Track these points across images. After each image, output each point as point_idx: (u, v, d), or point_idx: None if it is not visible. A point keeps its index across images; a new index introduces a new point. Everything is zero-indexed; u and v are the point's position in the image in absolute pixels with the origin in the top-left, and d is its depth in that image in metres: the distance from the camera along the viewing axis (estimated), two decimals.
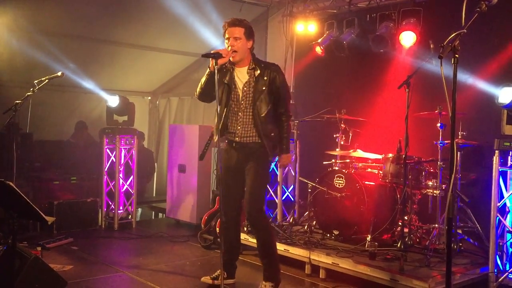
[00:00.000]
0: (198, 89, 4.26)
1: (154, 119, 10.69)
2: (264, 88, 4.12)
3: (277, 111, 4.23)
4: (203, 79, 4.15)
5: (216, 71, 3.87)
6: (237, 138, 4.21)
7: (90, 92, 8.56)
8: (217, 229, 5.71)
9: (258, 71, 4.14)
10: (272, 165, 6.03)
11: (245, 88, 4.17)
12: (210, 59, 3.94)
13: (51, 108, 8.51)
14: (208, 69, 4.05)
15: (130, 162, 7.14)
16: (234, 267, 4.51)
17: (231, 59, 4.10)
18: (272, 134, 4.19)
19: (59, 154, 8.05)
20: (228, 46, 4.08)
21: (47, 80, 4.52)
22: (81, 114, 9.12)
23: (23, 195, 3.34)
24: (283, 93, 4.22)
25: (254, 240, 5.33)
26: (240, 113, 4.19)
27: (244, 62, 4.18)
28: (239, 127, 4.19)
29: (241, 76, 4.20)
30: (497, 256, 4.37)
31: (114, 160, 7.01)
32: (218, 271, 4.43)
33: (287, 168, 6.64)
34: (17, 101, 4.55)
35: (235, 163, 4.26)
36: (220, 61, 4.00)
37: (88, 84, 8.19)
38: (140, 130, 8.30)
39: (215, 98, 4.15)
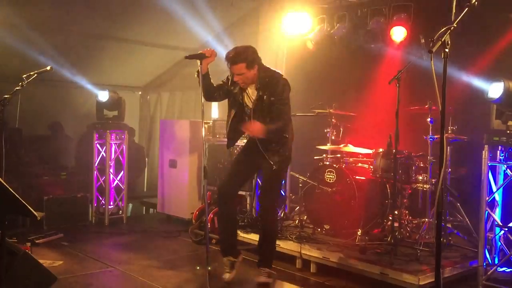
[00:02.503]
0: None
1: (145, 114, 10.65)
2: (265, 100, 4.21)
3: (272, 113, 4.23)
4: (198, 81, 4.25)
5: (201, 71, 4.10)
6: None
7: (80, 87, 8.51)
8: (209, 224, 5.70)
9: (264, 87, 4.23)
10: None
11: (255, 103, 4.29)
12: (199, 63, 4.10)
13: (41, 103, 8.44)
14: (197, 72, 4.18)
15: (120, 157, 7.10)
16: (235, 246, 4.58)
17: (242, 86, 4.28)
18: (275, 146, 4.27)
19: (49, 149, 8.01)
20: (236, 80, 4.24)
21: (36, 75, 4.47)
22: (71, 109, 9.06)
23: (11, 190, 3.32)
24: (279, 101, 4.22)
25: (246, 235, 5.40)
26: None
27: (253, 82, 4.29)
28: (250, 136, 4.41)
29: (251, 92, 4.33)
30: (486, 250, 4.40)
31: (104, 155, 6.97)
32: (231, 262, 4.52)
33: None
34: (6, 96, 4.50)
35: (255, 152, 4.35)
36: (205, 61, 4.16)
37: (78, 79, 8.14)
38: (130, 125, 8.26)
39: (223, 98, 4.45)
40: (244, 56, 4.14)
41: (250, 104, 4.32)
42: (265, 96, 4.22)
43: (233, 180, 4.48)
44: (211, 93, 4.34)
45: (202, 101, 4.17)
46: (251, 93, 4.33)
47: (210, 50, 4.14)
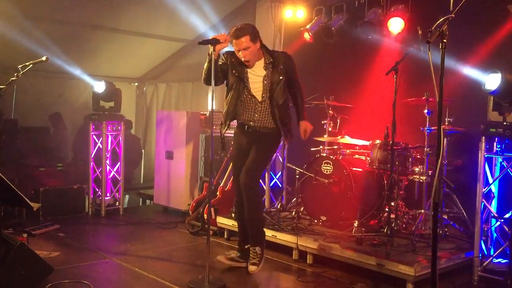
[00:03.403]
0: (202, 75, 4.27)
1: (142, 106, 10.61)
2: (281, 78, 4.31)
3: (293, 88, 4.50)
4: (206, 66, 4.18)
5: (213, 57, 4.02)
6: (251, 123, 4.38)
7: (76, 78, 8.46)
8: (205, 215, 5.71)
9: (275, 64, 4.31)
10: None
11: (265, 82, 4.32)
12: (209, 45, 4.03)
13: (36, 94, 8.40)
14: (208, 56, 4.09)
15: (117, 149, 7.09)
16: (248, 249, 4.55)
17: (248, 66, 4.28)
18: (286, 120, 4.41)
19: (45, 140, 7.98)
20: (242, 58, 4.22)
21: (31, 65, 4.43)
22: (67, 100, 9.02)
23: (8, 181, 3.31)
24: (296, 76, 4.50)
25: None
26: (258, 104, 4.35)
27: (258, 59, 4.31)
28: (256, 115, 4.37)
29: (258, 71, 4.33)
30: (482, 241, 4.42)
31: (100, 146, 6.95)
32: (232, 251, 4.58)
33: (276, 154, 6.64)
34: (1, 86, 4.47)
35: (246, 144, 4.45)
36: (218, 47, 4.10)
37: (74, 70, 8.09)
38: (127, 116, 8.24)
39: (222, 81, 4.43)
40: (246, 29, 4.15)
41: (257, 85, 4.31)
42: (279, 71, 4.29)
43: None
44: (215, 78, 4.22)
45: (213, 88, 4.06)
46: (258, 71, 4.31)
47: (223, 36, 4.08)
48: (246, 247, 4.45)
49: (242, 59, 4.21)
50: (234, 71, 4.32)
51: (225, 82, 4.43)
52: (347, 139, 5.56)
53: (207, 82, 4.24)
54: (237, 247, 4.66)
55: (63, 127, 8.63)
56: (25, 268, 3.86)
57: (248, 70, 4.32)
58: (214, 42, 4.02)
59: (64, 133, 8.62)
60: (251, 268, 4.31)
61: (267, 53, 4.34)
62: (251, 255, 4.36)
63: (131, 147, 8.70)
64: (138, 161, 9.67)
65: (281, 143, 6.34)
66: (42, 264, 4.03)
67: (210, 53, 4.04)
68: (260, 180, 6.36)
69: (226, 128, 4.47)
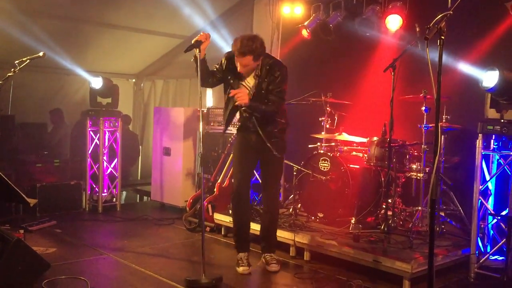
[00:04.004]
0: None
1: (139, 102, 10.59)
2: (262, 91, 4.26)
3: (269, 96, 4.28)
4: (195, 68, 4.21)
5: (199, 59, 4.08)
6: (250, 124, 4.38)
7: (73, 74, 8.45)
8: (210, 211, 5.71)
9: (263, 74, 4.26)
10: None
11: (253, 88, 4.31)
12: (195, 49, 4.09)
13: (33, 90, 8.38)
14: (193, 57, 4.16)
15: (114, 145, 7.08)
16: (247, 242, 4.66)
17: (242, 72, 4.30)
18: (276, 131, 4.37)
19: (42, 136, 7.96)
20: (238, 67, 4.24)
21: (28, 61, 4.41)
22: (64, 96, 8.99)
23: (4, 177, 3.30)
24: (277, 87, 4.27)
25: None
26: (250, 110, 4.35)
27: (253, 69, 4.32)
28: (246, 121, 4.41)
29: (250, 80, 4.35)
30: (479, 238, 4.43)
31: (98, 142, 6.94)
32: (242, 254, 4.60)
33: None
34: None
35: (251, 148, 4.46)
36: (203, 46, 4.14)
37: (71, 66, 8.07)
38: (125, 112, 8.23)
39: (216, 84, 4.49)
40: (253, 49, 4.13)
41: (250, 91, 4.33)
42: (263, 84, 4.25)
43: (246, 178, 4.55)
44: (206, 78, 4.34)
45: (200, 89, 4.14)
46: (249, 80, 4.33)
47: (204, 35, 4.12)
48: (265, 255, 4.62)
49: (238, 68, 4.27)
50: (229, 77, 4.38)
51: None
52: (345, 136, 5.56)
53: (203, 84, 4.32)
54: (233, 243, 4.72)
55: (63, 123, 8.61)
56: (21, 264, 3.84)
57: (241, 79, 4.36)
58: (198, 44, 4.07)
59: (65, 130, 8.59)
60: (274, 267, 4.50)
61: (262, 64, 4.28)
62: (269, 259, 4.55)
63: (129, 144, 8.70)
64: (136, 158, 9.67)
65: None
66: (39, 260, 4.02)
67: (195, 56, 4.11)
68: (257, 176, 6.42)
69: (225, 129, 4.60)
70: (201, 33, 4.14)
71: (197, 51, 4.08)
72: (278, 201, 4.73)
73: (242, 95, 4.19)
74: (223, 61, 4.40)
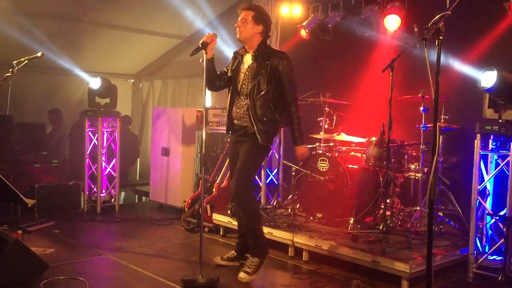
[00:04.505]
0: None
1: (137, 102, 10.59)
2: (263, 71, 4.13)
3: (285, 100, 4.23)
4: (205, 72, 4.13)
5: (205, 60, 4.01)
6: (235, 121, 4.31)
7: (71, 74, 8.44)
8: (209, 212, 5.71)
9: (262, 56, 4.17)
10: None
11: (247, 73, 4.23)
12: (202, 51, 4.02)
13: (32, 90, 8.38)
14: (201, 58, 4.08)
15: (112, 145, 7.07)
16: (247, 247, 4.48)
17: (237, 36, 4.20)
18: (265, 119, 4.16)
19: (40, 137, 7.95)
20: (236, 26, 4.19)
21: (26, 61, 4.41)
22: (63, 96, 8.98)
23: (2, 177, 3.30)
24: (287, 79, 4.19)
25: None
26: (242, 97, 4.26)
27: (252, 47, 4.22)
28: (238, 110, 4.28)
29: (247, 60, 4.27)
30: (477, 238, 4.44)
31: (96, 143, 6.93)
32: (231, 251, 4.54)
33: (271, 151, 6.65)
34: None
35: (235, 145, 4.38)
36: (210, 47, 4.09)
37: (70, 66, 8.06)
38: (123, 113, 8.23)
39: (225, 86, 4.39)
40: (257, 7, 4.19)
41: (242, 76, 4.25)
42: (263, 65, 4.13)
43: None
44: (213, 80, 4.29)
45: (205, 89, 4.08)
46: (247, 61, 4.25)
47: (210, 36, 4.08)
48: (246, 255, 4.33)
49: (236, 29, 4.19)
50: (232, 68, 4.32)
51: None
52: (343, 136, 5.56)
53: (210, 87, 4.30)
54: (235, 246, 4.63)
55: (62, 123, 8.59)
56: (20, 264, 3.84)
57: (243, 61, 4.28)
58: (204, 46, 4.03)
59: (64, 131, 8.57)
60: (242, 275, 4.14)
61: (260, 46, 4.21)
62: (247, 262, 4.22)
63: (129, 144, 8.69)
64: (135, 159, 9.65)
65: (276, 141, 6.35)
66: (37, 261, 4.02)
67: (202, 58, 4.04)
68: (256, 177, 6.39)
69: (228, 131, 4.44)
70: (208, 34, 4.10)
71: (204, 53, 4.03)
72: (246, 198, 4.18)
73: (305, 157, 4.42)
74: (230, 62, 4.38)
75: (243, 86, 4.23)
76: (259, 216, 4.42)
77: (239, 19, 4.18)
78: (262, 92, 4.14)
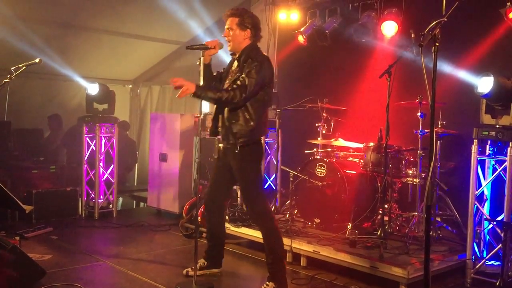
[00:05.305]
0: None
1: (135, 108, 10.58)
2: (240, 75, 3.96)
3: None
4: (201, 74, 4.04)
5: (202, 64, 3.93)
6: (219, 128, 4.16)
7: (69, 80, 8.43)
8: (199, 218, 5.69)
9: (243, 60, 3.99)
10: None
11: (230, 77, 4.10)
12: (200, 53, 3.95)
13: (29, 96, 8.36)
14: (198, 60, 4.01)
15: (110, 151, 7.06)
16: (219, 256, 4.50)
17: (228, 49, 4.10)
18: (239, 122, 3.95)
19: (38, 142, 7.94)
20: (225, 36, 4.08)
21: (24, 67, 4.42)
22: (61, 102, 8.98)
23: (0, 184, 3.29)
24: (246, 72, 3.89)
25: (236, 229, 5.40)
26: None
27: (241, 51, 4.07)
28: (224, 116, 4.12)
29: (234, 65, 4.15)
30: (475, 243, 4.44)
31: (94, 148, 6.93)
32: (200, 260, 4.43)
33: (269, 157, 6.66)
34: None
35: (222, 159, 4.25)
36: (208, 53, 4.01)
37: (68, 72, 8.06)
38: (121, 119, 8.22)
39: None
40: (241, 12, 4.02)
41: (227, 81, 4.12)
42: (241, 69, 3.97)
43: (213, 189, 4.33)
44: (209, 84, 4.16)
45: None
46: (234, 65, 4.13)
47: (214, 42, 3.99)
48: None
49: (225, 38, 4.08)
50: (223, 73, 4.24)
51: None
52: (341, 142, 5.57)
53: None
54: (204, 254, 4.50)
55: (61, 129, 8.59)
56: (17, 271, 3.82)
57: (232, 66, 4.17)
58: (203, 48, 3.94)
59: (56, 136, 8.57)
60: None
61: (244, 52, 4.02)
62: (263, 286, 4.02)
63: (127, 150, 8.68)
64: (133, 165, 9.64)
65: (275, 147, 6.36)
66: (34, 267, 4.01)
67: (199, 60, 3.96)
68: None
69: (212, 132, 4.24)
70: (214, 39, 4.01)
71: (201, 54, 3.96)
72: (262, 216, 4.04)
73: (182, 83, 3.81)
74: (223, 69, 4.33)
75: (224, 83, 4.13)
76: (279, 237, 4.10)
77: (226, 27, 4.06)
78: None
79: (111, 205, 7.08)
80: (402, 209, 5.26)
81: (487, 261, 4.38)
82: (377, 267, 4.22)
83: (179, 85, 3.82)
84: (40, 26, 7.05)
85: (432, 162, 2.75)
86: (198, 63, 4.02)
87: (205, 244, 4.57)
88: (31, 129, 8.20)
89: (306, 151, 5.90)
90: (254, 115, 3.95)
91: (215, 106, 4.21)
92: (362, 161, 5.37)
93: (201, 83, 3.96)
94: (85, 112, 7.05)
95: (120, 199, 8.36)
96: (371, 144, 5.24)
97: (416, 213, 4.96)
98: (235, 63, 4.13)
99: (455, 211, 5.10)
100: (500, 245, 4.18)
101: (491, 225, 4.46)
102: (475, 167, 4.42)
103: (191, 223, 5.82)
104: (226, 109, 4.01)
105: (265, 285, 4.02)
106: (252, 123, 3.95)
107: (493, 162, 4.45)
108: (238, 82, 3.88)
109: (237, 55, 4.09)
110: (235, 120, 3.96)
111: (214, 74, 4.27)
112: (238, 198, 5.95)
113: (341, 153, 5.74)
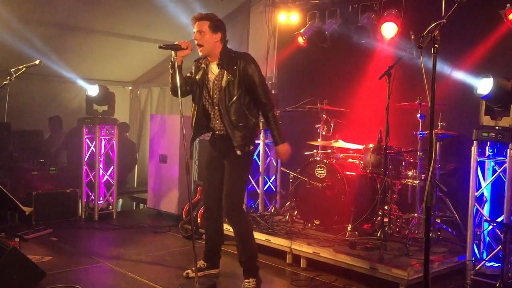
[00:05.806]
0: (169, 85, 4.15)
1: (135, 109, 10.59)
2: (232, 78, 4.01)
3: (259, 101, 4.09)
4: (170, 74, 4.07)
5: (176, 63, 3.95)
6: (216, 132, 4.20)
7: (69, 81, 8.43)
8: (199, 219, 5.70)
9: (227, 63, 4.04)
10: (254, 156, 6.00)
11: (215, 81, 4.10)
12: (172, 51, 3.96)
13: (29, 98, 8.36)
14: (170, 62, 4.02)
15: (110, 152, 7.07)
16: (217, 257, 4.52)
17: (199, 53, 4.11)
18: (240, 124, 4.04)
19: (38, 144, 7.94)
20: (195, 39, 4.07)
21: (24, 69, 4.42)
22: (60, 104, 8.98)
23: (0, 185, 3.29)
24: (258, 81, 4.04)
25: None
26: (216, 107, 4.13)
27: (215, 56, 4.10)
28: (217, 121, 4.16)
29: (214, 70, 4.14)
30: (475, 245, 4.44)
31: (94, 150, 6.93)
32: (199, 262, 4.43)
33: (269, 158, 6.67)
34: None
35: (217, 155, 4.27)
36: (180, 53, 4.01)
37: (68, 73, 8.07)
38: (121, 120, 8.22)
39: (189, 93, 4.25)
40: (210, 16, 4.06)
41: (211, 86, 4.12)
42: (230, 71, 4.00)
43: (211, 196, 4.34)
44: (181, 86, 4.06)
45: (180, 96, 4.01)
46: (215, 72, 4.12)
47: (186, 42, 3.99)
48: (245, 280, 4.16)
49: (196, 42, 4.07)
50: (196, 76, 4.20)
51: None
52: (341, 143, 5.57)
53: (174, 93, 4.11)
54: (203, 256, 4.51)
55: (62, 131, 8.59)
56: (17, 273, 3.83)
57: (208, 71, 4.16)
58: (176, 48, 3.95)
59: (56, 137, 8.57)
60: None
61: (222, 53, 4.08)
62: (245, 285, 4.10)
63: (127, 152, 8.67)
64: (133, 166, 9.64)
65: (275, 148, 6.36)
66: (34, 269, 4.01)
67: (172, 59, 3.97)
68: (254, 184, 6.39)
69: (194, 142, 4.36)
70: (185, 40, 4.01)
71: (174, 55, 3.96)
72: (238, 214, 4.11)
73: (287, 155, 4.22)
74: (192, 69, 4.28)
75: (215, 96, 4.10)
76: (252, 234, 4.30)
77: (195, 30, 4.05)
78: (234, 98, 4.02)
79: (111, 206, 7.08)
80: (402, 210, 5.26)
81: (487, 263, 4.38)
82: (377, 268, 4.22)
83: (286, 159, 4.25)
84: (40, 27, 7.06)
85: (432, 164, 2.76)
86: (169, 66, 4.03)
87: (203, 245, 4.57)
88: (31, 130, 8.19)
89: (306, 153, 5.90)
90: (253, 114, 4.13)
91: (195, 111, 4.24)
92: (362, 162, 5.37)
93: (175, 86, 3.99)
94: (85, 113, 7.05)
95: (120, 200, 8.36)
96: (371, 145, 5.24)
97: (416, 215, 4.96)
98: (214, 68, 4.12)
99: (455, 212, 5.10)
100: (500, 246, 4.18)
101: (491, 227, 4.46)
102: (475, 169, 4.42)
103: (191, 224, 5.81)
104: (231, 111, 4.04)
105: (246, 282, 4.09)
106: (253, 119, 4.11)
107: (492, 164, 4.45)
108: (263, 96, 4.05)
109: (216, 60, 4.10)
110: (240, 120, 4.05)
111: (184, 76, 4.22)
112: None
113: (341, 155, 5.74)
